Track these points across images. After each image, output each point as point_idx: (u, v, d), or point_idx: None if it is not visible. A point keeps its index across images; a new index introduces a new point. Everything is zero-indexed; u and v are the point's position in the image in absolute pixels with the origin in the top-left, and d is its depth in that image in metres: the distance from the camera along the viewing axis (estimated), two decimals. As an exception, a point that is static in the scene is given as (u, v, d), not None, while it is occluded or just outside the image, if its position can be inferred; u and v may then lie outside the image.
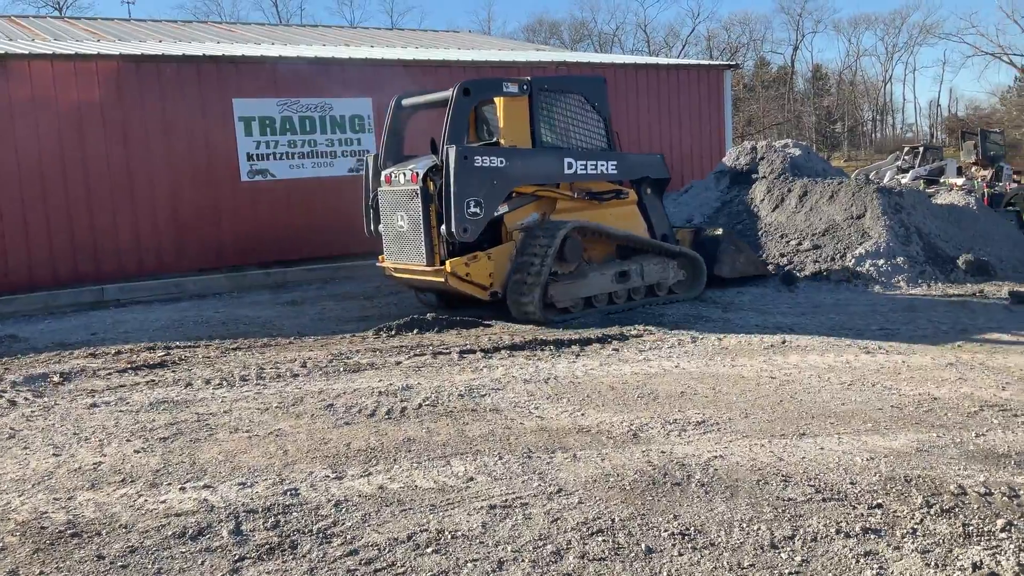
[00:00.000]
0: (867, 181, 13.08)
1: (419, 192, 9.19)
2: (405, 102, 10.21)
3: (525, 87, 9.53)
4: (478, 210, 8.98)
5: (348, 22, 64.00)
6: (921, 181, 25.23)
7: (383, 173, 9.90)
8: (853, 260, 11.25)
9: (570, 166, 9.70)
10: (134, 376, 7.34)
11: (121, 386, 7.01)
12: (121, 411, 6.28)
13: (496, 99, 9.60)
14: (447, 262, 9.14)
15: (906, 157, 30.20)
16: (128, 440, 5.60)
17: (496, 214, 9.39)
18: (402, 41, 21.24)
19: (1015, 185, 22.95)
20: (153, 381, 7.13)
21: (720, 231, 11.45)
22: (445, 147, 8.97)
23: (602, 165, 9.98)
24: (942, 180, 25.70)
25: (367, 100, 14.67)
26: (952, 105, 71.79)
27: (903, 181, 24.99)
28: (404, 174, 9.46)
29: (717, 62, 22.86)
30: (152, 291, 12.52)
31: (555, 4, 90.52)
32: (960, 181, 24.31)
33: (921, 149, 30.55)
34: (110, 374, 7.45)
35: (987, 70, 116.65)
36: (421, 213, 9.22)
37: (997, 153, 29.49)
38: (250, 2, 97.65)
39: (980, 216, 13.14)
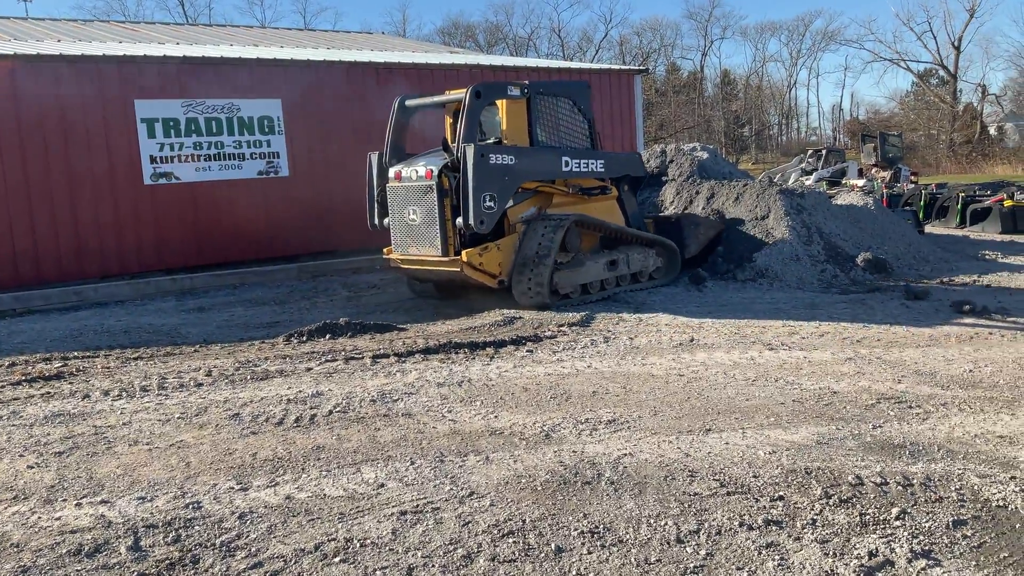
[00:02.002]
0: (770, 183, 13.46)
1: (434, 187, 9.80)
2: (408, 103, 10.86)
3: (525, 90, 10.30)
4: (492, 203, 9.69)
5: (259, 22, 62.78)
6: (824, 182, 26.12)
7: (391, 170, 10.42)
8: (758, 260, 11.55)
9: (567, 164, 10.58)
10: (29, 388, 7.03)
11: (15, 399, 6.71)
12: (14, 425, 6.01)
13: (499, 103, 10.27)
14: (463, 252, 9.76)
15: (810, 159, 31.22)
16: (21, 455, 5.36)
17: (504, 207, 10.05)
18: (314, 42, 20.92)
19: (912, 186, 23.96)
20: (49, 393, 6.84)
21: (674, 215, 12.45)
22: (463, 146, 9.59)
23: (592, 164, 10.93)
24: (844, 182, 26.66)
25: (276, 101, 14.38)
26: (853, 109, 74.70)
27: (807, 183, 25.79)
28: (417, 170, 10.03)
29: (629, 67, 23.21)
30: (50, 299, 12.01)
31: (470, 8, 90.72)
32: (861, 182, 25.25)
33: (824, 152, 31.62)
34: (3, 387, 7.11)
35: (886, 75, 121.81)
36: (436, 207, 9.84)
37: (895, 155, 30.75)
38: (155, 1, 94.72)
39: (878, 216, 13.66)
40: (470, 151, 9.47)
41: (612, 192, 11.31)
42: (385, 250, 10.84)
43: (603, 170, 11.05)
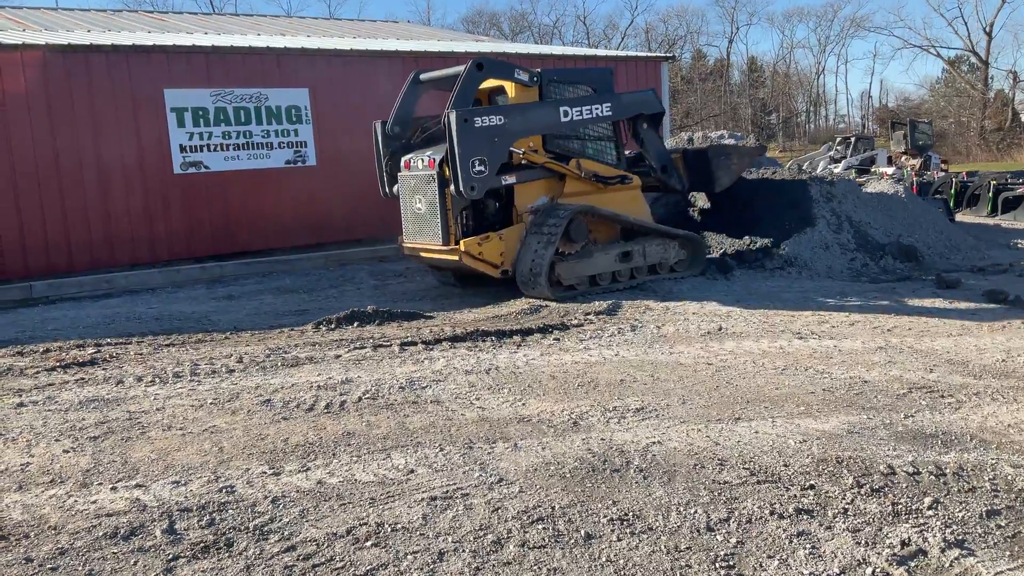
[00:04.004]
0: (800, 171, 13.32)
1: (435, 177, 9.79)
2: (422, 77, 10.73)
3: (535, 78, 10.05)
4: (483, 168, 9.38)
5: (285, 11, 63.06)
6: (853, 170, 25.86)
7: (403, 159, 10.45)
8: (787, 248, 11.47)
9: (566, 114, 10.09)
10: (63, 374, 7.14)
11: (50, 385, 6.81)
12: (50, 410, 6.10)
13: (508, 88, 10.13)
14: (461, 242, 9.70)
15: (839, 147, 30.93)
16: (57, 440, 5.44)
17: (504, 183, 9.93)
18: (340, 31, 20.97)
19: (943, 174, 23.68)
20: (83, 379, 6.94)
21: (706, 146, 11.97)
22: (447, 112, 9.34)
23: (596, 108, 10.37)
24: (873, 169, 26.39)
25: (304, 90, 14.45)
26: (883, 96, 73.71)
27: (836, 171, 25.54)
28: (422, 160, 10.06)
29: (655, 54, 23.06)
30: (82, 287, 12.18)
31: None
32: (890, 170, 25.00)
33: (853, 139, 31.31)
34: (38, 373, 7.22)
35: (916, 62, 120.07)
36: (437, 196, 9.82)
37: (925, 143, 30.39)
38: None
39: (909, 204, 13.49)
40: (452, 116, 9.22)
41: (634, 182, 10.99)
42: (399, 239, 10.87)
43: (611, 113, 10.57)
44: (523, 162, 10.05)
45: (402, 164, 10.44)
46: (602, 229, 10.63)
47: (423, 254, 10.43)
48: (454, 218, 9.88)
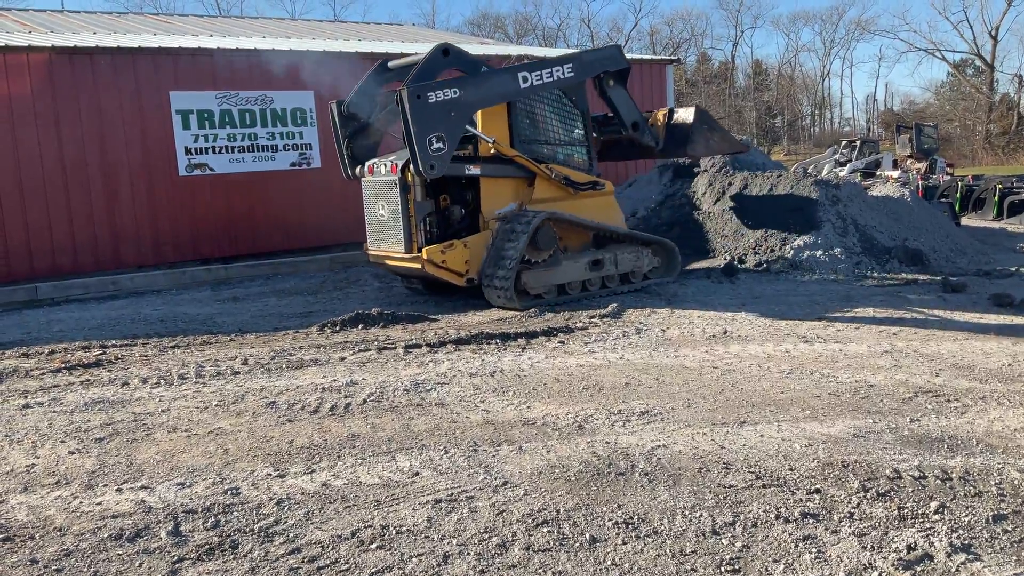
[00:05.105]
0: (805, 174, 13.31)
1: (398, 182, 9.57)
2: (390, 64, 10.47)
3: None
4: (441, 145, 8.98)
5: (289, 14, 63.19)
6: (858, 174, 25.83)
7: (367, 163, 10.22)
8: (792, 251, 11.45)
9: (525, 80, 9.66)
10: (68, 376, 7.15)
11: (55, 386, 6.82)
12: (55, 412, 6.11)
13: None
14: (424, 249, 9.45)
15: (844, 151, 30.90)
16: (62, 441, 5.45)
17: (468, 172, 9.64)
18: (344, 33, 21.00)
19: (948, 177, 23.62)
20: (88, 381, 6.95)
21: (692, 109, 11.41)
22: (399, 90, 8.95)
23: (557, 71, 9.92)
24: (878, 173, 26.35)
25: (309, 93, 14.46)
26: (888, 100, 73.64)
27: (841, 174, 25.52)
28: (385, 165, 9.84)
29: (659, 57, 23.06)
30: (88, 289, 12.20)
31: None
32: (896, 174, 24.95)
33: (858, 143, 31.27)
34: (43, 374, 7.23)
35: (921, 65, 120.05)
36: (400, 202, 9.63)
37: (931, 146, 30.31)
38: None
39: (914, 208, 13.47)
40: (405, 93, 8.78)
41: (607, 188, 10.61)
42: (364, 245, 10.66)
43: (573, 74, 10.04)
44: (492, 153, 9.71)
45: (365, 169, 10.20)
46: (572, 236, 10.31)
47: (387, 261, 10.22)
48: (417, 224, 9.62)
